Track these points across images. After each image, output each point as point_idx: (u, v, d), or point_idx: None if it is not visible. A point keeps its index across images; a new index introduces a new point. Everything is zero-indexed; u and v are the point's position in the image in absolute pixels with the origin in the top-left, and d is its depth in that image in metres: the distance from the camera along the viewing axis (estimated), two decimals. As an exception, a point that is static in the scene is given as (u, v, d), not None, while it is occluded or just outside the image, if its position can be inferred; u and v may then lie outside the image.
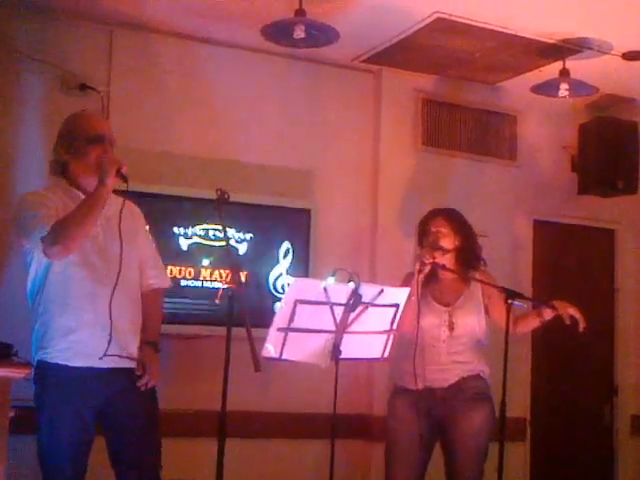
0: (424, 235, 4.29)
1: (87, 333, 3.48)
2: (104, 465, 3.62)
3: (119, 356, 3.51)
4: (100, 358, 3.45)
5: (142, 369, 3.59)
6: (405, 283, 4.15)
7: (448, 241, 4.26)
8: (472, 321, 4.23)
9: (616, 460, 5.93)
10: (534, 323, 4.26)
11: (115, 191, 3.51)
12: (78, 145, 3.57)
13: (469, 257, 4.30)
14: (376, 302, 3.68)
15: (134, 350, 3.60)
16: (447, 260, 4.23)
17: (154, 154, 4.54)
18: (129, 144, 4.67)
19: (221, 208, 3.49)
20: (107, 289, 3.48)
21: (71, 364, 3.46)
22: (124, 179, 3.47)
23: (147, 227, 3.83)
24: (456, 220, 4.32)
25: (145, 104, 4.80)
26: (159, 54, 4.88)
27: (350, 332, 3.67)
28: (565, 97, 5.08)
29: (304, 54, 5.09)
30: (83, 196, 3.54)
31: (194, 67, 4.95)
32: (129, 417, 3.58)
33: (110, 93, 4.71)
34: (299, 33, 4.35)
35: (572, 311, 4.09)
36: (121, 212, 3.54)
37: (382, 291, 3.69)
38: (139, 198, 3.84)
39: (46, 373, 3.48)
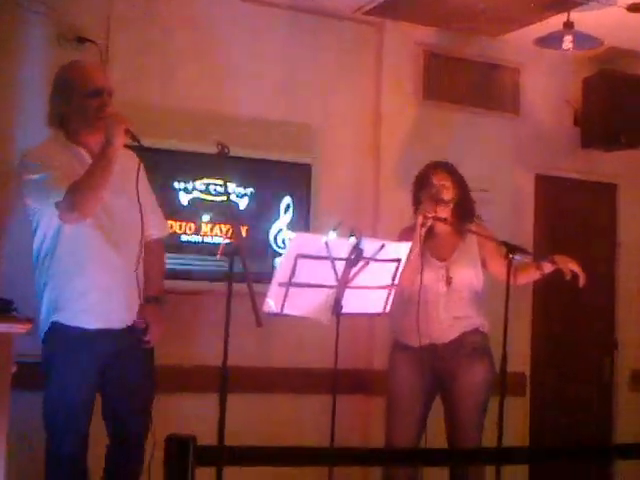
0: (424, 188, 4.27)
1: (101, 296, 3.49)
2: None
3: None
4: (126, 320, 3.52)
5: (145, 330, 3.61)
6: (401, 238, 4.14)
7: (449, 194, 4.25)
8: (469, 274, 4.24)
9: (615, 414, 5.96)
10: (534, 275, 4.29)
11: None
12: (76, 99, 3.53)
13: (465, 211, 4.30)
14: (377, 257, 3.68)
15: (136, 308, 3.62)
16: (445, 213, 4.23)
17: (153, 108, 4.49)
18: (127, 98, 4.62)
19: (222, 162, 3.47)
20: (120, 250, 3.50)
21: (87, 326, 3.49)
22: (134, 138, 3.45)
23: (146, 180, 3.77)
24: (455, 173, 4.32)
25: (144, 57, 4.74)
26: (158, 6, 4.81)
27: (351, 287, 3.67)
28: (569, 50, 5.03)
29: (305, 6, 5.04)
30: (84, 152, 3.52)
31: (194, 20, 4.88)
32: (126, 373, 3.59)
33: (109, 46, 4.64)
34: (300, -16, 4.31)
35: (572, 266, 4.11)
36: (138, 172, 3.55)
37: (383, 246, 3.69)
38: (138, 152, 3.81)
39: (59, 334, 3.50)
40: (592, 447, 3.89)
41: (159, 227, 3.83)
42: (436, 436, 4.25)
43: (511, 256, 4.01)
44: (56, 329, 3.50)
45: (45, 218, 3.50)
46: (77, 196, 3.35)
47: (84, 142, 3.55)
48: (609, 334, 6.00)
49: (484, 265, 4.30)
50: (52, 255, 3.52)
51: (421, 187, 4.30)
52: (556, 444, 5.45)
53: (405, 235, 4.22)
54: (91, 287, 3.49)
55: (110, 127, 3.41)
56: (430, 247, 4.21)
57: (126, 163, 3.57)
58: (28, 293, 3.96)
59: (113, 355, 3.55)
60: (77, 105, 3.53)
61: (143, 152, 3.71)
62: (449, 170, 4.31)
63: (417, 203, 4.31)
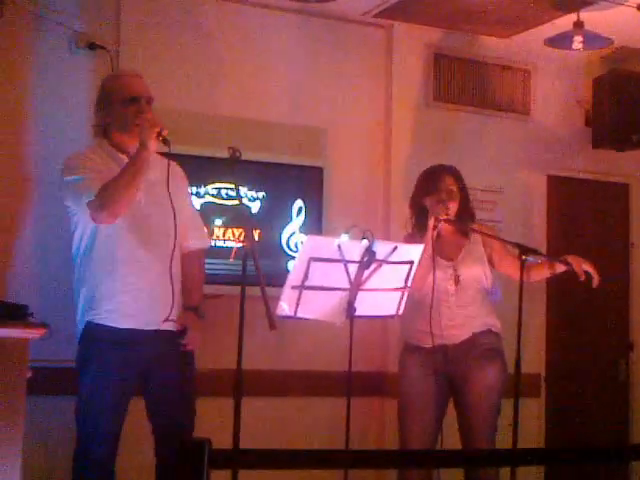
0: (432, 192, 4.26)
1: (131, 296, 3.56)
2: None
3: (166, 320, 3.58)
4: (157, 322, 3.55)
5: (183, 334, 3.67)
6: (406, 243, 4.14)
7: (457, 197, 4.27)
8: (477, 272, 4.25)
9: (631, 415, 5.94)
10: (546, 273, 4.28)
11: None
12: (115, 107, 3.64)
13: (467, 214, 4.31)
14: (390, 259, 3.68)
15: (176, 314, 3.66)
16: (451, 215, 4.24)
17: (165, 113, 4.45)
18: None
19: (233, 166, 3.48)
20: (152, 254, 3.56)
21: (117, 325, 3.56)
22: (166, 142, 3.49)
23: (188, 189, 3.90)
24: (460, 177, 4.34)
25: (155, 62, 4.75)
26: (168, 12, 4.83)
27: (364, 289, 3.67)
28: (579, 50, 5.02)
29: (314, 10, 5.05)
30: (125, 158, 3.59)
31: (204, 24, 4.90)
32: (167, 379, 3.66)
33: (120, 52, 4.67)
34: (309, -12, 4.32)
35: (586, 266, 4.10)
36: (168, 176, 3.58)
37: (396, 248, 3.68)
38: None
39: (93, 334, 3.59)
40: (608, 448, 3.88)
41: (199, 238, 3.87)
42: (451, 437, 4.24)
43: (524, 257, 4.01)
44: (89, 329, 3.60)
45: (83, 219, 3.60)
46: (106, 196, 3.44)
47: (125, 149, 3.62)
48: (624, 335, 5.98)
49: (492, 263, 4.30)
50: (88, 256, 3.62)
51: (427, 191, 4.29)
52: (572, 445, 5.43)
53: (409, 241, 4.22)
54: (121, 288, 3.57)
55: (144, 131, 3.48)
56: (437, 248, 4.20)
57: (171, 173, 3.62)
58: (43, 298, 4.00)
59: (152, 360, 3.62)
60: (116, 113, 3.63)
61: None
62: (455, 174, 4.32)
63: (418, 206, 4.32)
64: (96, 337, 3.60)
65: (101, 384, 3.57)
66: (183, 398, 3.70)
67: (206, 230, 3.92)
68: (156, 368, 3.65)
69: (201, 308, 3.69)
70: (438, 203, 4.20)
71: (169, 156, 3.65)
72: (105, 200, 3.45)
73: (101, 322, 3.59)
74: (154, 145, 3.49)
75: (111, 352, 3.55)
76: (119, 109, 3.63)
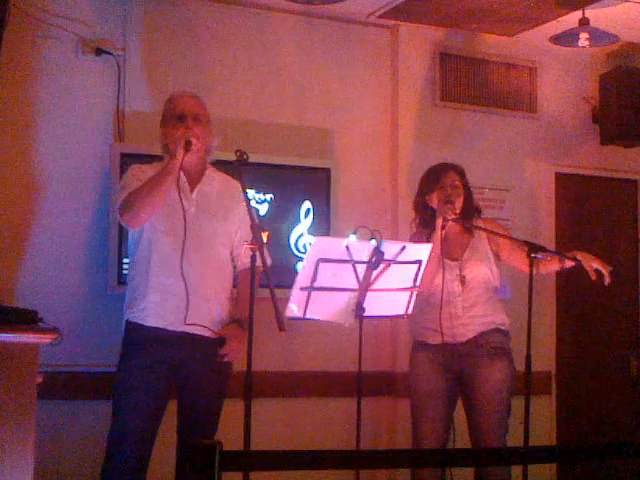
0: (437, 190, 4.26)
1: (161, 296, 3.69)
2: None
3: (194, 324, 3.65)
4: (183, 323, 3.64)
5: (222, 344, 3.71)
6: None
7: (462, 194, 4.27)
8: (483, 270, 4.24)
9: (643, 411, 5.93)
10: (555, 267, 4.27)
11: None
12: (168, 128, 3.79)
13: (471, 209, 4.31)
14: (398, 259, 3.68)
15: (217, 322, 3.74)
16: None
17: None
18: (147, 108, 4.69)
19: (241, 169, 3.50)
20: (189, 260, 3.63)
21: (146, 323, 3.70)
22: (187, 145, 3.62)
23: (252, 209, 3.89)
24: (463, 174, 4.34)
25: (162, 67, 4.78)
26: (174, 17, 4.84)
27: (373, 290, 3.67)
28: (585, 47, 5.02)
29: (320, 12, 5.06)
30: (182, 173, 3.72)
31: (209, 29, 4.91)
32: (198, 385, 3.74)
33: (126, 57, 4.69)
34: (314, -11, 4.33)
35: (596, 264, 4.08)
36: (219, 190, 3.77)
37: (404, 248, 3.69)
38: (157, 161, 3.86)
39: (129, 332, 3.76)
40: (621, 444, 3.85)
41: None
42: (463, 436, 4.24)
43: (533, 255, 4.00)
44: (127, 328, 3.78)
45: None
46: (129, 202, 3.66)
47: (184, 164, 3.70)
48: (634, 330, 5.96)
49: (499, 258, 4.30)
50: (132, 258, 3.85)
51: (432, 189, 4.29)
52: (584, 442, 5.42)
53: (415, 241, 4.23)
54: (152, 289, 3.70)
55: (177, 143, 3.65)
56: (442, 248, 4.20)
57: (229, 190, 3.79)
58: (53, 303, 4.01)
59: (182, 362, 3.70)
60: (169, 133, 3.77)
61: (160, 161, 3.81)
62: (458, 171, 4.32)
63: (422, 206, 4.32)
64: (132, 336, 3.76)
65: (131, 382, 3.67)
66: (209, 407, 3.76)
67: (266, 251, 3.93)
68: (188, 372, 3.73)
69: (244, 322, 3.61)
70: (445, 203, 4.19)
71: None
72: (128, 204, 3.67)
73: (134, 320, 3.74)
74: (181, 154, 3.62)
75: (142, 351, 3.68)
76: (170, 127, 3.78)
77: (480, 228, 4.28)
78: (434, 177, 4.31)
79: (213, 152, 3.86)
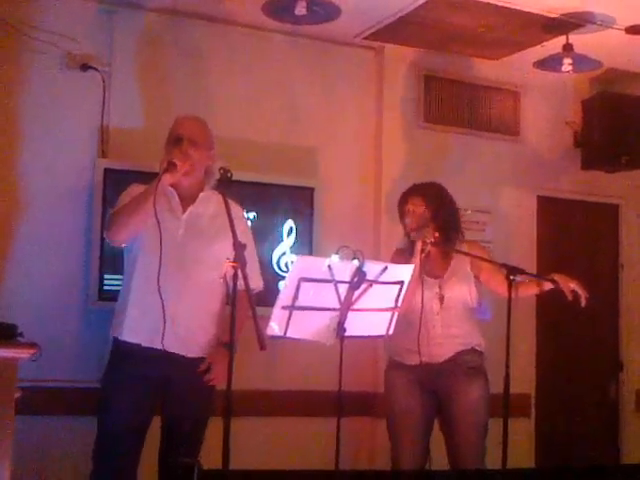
0: (402, 218, 4.30)
1: (139, 313, 3.71)
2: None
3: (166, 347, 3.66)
4: (159, 342, 3.65)
5: (207, 366, 3.73)
6: (394, 260, 4.16)
7: (427, 214, 4.26)
8: (462, 291, 4.26)
9: (621, 435, 5.95)
10: (534, 290, 4.30)
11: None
12: (168, 148, 3.82)
13: (449, 229, 4.31)
14: (380, 279, 3.68)
15: (195, 344, 3.74)
16: (434, 236, 4.24)
17: (156, 134, 4.48)
18: (131, 124, 4.69)
19: (224, 186, 3.50)
20: (173, 281, 3.63)
21: (124, 338, 3.73)
22: (170, 167, 3.63)
23: (246, 229, 3.97)
24: (429, 193, 4.31)
25: (147, 84, 4.78)
26: (160, 33, 4.86)
27: (355, 309, 3.67)
28: (569, 72, 5.06)
29: (305, 31, 5.07)
30: (174, 192, 3.80)
31: (196, 46, 4.92)
32: (181, 403, 3.74)
33: (111, 73, 4.69)
34: (300, 10, 4.36)
35: (573, 285, 4.10)
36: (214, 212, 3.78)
37: (386, 268, 3.69)
38: (143, 179, 3.86)
39: (114, 347, 3.80)
40: (598, 467, 3.87)
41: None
42: (441, 460, 4.24)
43: (512, 277, 4.02)
44: (114, 343, 3.81)
45: None
46: (112, 218, 3.78)
47: (177, 184, 3.77)
48: (614, 355, 5.99)
49: (480, 281, 4.31)
50: (123, 274, 3.90)
51: (401, 215, 4.34)
52: (562, 465, 5.43)
53: (398, 257, 4.25)
54: (132, 305, 3.73)
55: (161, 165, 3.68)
56: (423, 265, 4.21)
57: (217, 208, 3.73)
58: (34, 318, 3.99)
59: (165, 379, 3.71)
60: (167, 153, 3.77)
61: (145, 178, 3.81)
62: (422, 193, 4.31)
63: (404, 226, 4.36)
64: (114, 350, 3.80)
65: (112, 395, 3.71)
66: (192, 425, 3.75)
67: (258, 273, 3.94)
68: (170, 390, 3.74)
69: (233, 345, 3.60)
70: (409, 230, 4.23)
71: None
72: (110, 222, 3.78)
73: (115, 335, 3.79)
74: (166, 177, 3.63)
75: (123, 365, 3.72)
76: (168, 149, 3.80)
77: (460, 252, 4.29)
78: (400, 203, 4.36)
79: (214, 175, 3.76)
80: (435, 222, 4.26)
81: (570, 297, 4.08)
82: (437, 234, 4.19)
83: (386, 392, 4.33)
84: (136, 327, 3.71)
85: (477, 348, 4.27)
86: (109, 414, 3.70)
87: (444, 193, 4.38)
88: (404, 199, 4.35)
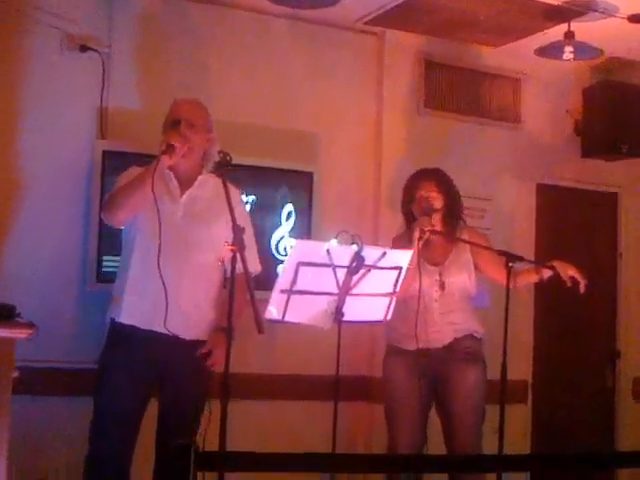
0: (414, 201, 4.29)
1: (137, 296, 3.71)
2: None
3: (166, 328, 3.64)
4: (157, 324, 3.64)
5: (208, 350, 3.71)
6: (395, 246, 4.16)
7: (439, 203, 4.28)
8: (462, 278, 4.27)
9: (617, 423, 5.96)
10: (533, 278, 4.32)
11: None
12: (165, 131, 3.81)
13: (455, 215, 4.33)
14: (379, 264, 3.69)
15: (194, 326, 3.73)
16: (435, 221, 4.25)
17: (155, 116, 4.48)
18: (130, 105, 4.68)
19: (223, 170, 3.49)
20: (168, 263, 3.59)
21: (121, 320, 3.74)
22: (168, 149, 3.62)
23: (244, 213, 3.95)
24: (441, 180, 4.34)
25: (146, 66, 4.77)
26: (160, 15, 4.84)
27: (353, 294, 3.68)
28: (570, 60, 5.04)
29: (306, 16, 5.06)
30: (172, 175, 3.80)
31: (196, 29, 4.91)
32: (178, 385, 3.74)
33: (111, 54, 4.67)
34: (302, -7, 4.34)
35: (572, 272, 4.11)
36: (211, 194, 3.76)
37: (385, 254, 3.70)
38: (141, 160, 3.85)
39: (110, 329, 3.80)
40: (594, 455, 3.88)
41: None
42: (439, 442, 4.26)
43: (510, 265, 4.03)
44: (110, 325, 3.81)
45: None
46: (109, 199, 3.79)
47: (175, 167, 3.77)
48: (611, 343, 6.00)
49: (479, 270, 4.32)
50: (121, 256, 3.92)
51: (410, 200, 4.33)
52: (558, 452, 5.44)
53: (398, 243, 4.25)
54: (129, 287, 3.73)
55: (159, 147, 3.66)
56: (424, 252, 4.22)
57: (222, 195, 3.52)
58: (32, 299, 4.00)
59: (163, 361, 3.70)
60: (165, 135, 3.75)
61: (144, 160, 3.81)
62: (435, 179, 4.33)
63: (406, 212, 4.35)
64: (111, 331, 3.80)
65: (109, 375, 3.72)
66: (189, 407, 3.74)
67: (256, 257, 3.91)
68: (168, 372, 3.74)
69: (232, 330, 3.54)
70: (421, 214, 4.22)
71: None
72: (107, 204, 3.80)
73: (112, 316, 3.79)
74: (165, 159, 3.62)
75: (120, 346, 3.73)
76: (166, 132, 3.79)
77: (460, 240, 4.30)
78: (411, 187, 4.34)
79: (213, 158, 3.74)
80: (444, 209, 4.27)
81: (569, 283, 4.09)
82: (435, 223, 4.20)
83: (384, 377, 4.34)
84: (134, 309, 3.72)
85: (475, 335, 4.28)
86: (105, 395, 3.71)
87: (451, 180, 4.38)
88: (415, 184, 4.33)
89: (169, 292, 3.59)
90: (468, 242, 4.30)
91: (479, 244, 4.30)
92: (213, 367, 3.71)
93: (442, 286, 4.23)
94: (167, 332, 3.64)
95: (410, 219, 4.33)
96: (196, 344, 3.72)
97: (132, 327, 3.71)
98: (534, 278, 4.30)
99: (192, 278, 3.74)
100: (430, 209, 4.23)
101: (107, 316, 3.83)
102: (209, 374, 3.75)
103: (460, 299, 4.27)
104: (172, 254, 3.64)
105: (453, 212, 4.34)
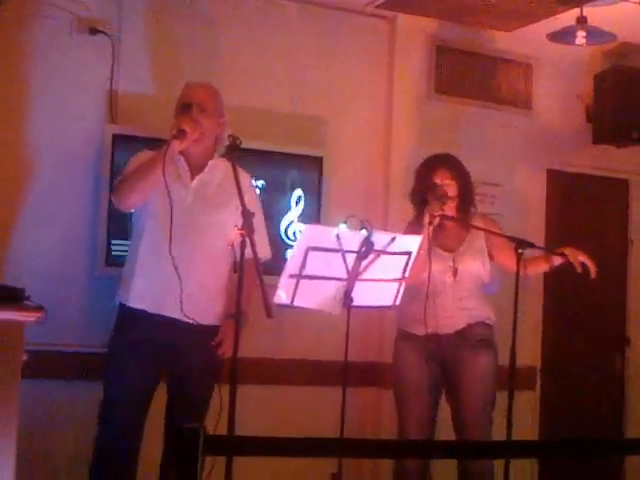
0: (428, 188, 4.26)
1: (145, 280, 3.73)
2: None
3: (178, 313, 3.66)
4: (166, 308, 3.69)
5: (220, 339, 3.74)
6: (407, 232, 4.15)
7: (453, 190, 4.27)
8: (476, 265, 4.26)
9: (626, 410, 5.95)
10: (544, 267, 4.31)
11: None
12: (177, 115, 3.80)
13: (468, 203, 4.31)
14: (388, 250, 3.68)
15: (204, 311, 3.73)
16: (450, 208, 4.24)
17: (165, 100, 4.48)
18: (140, 89, 4.67)
19: (233, 154, 3.49)
20: (179, 247, 3.59)
21: (130, 304, 3.76)
22: (178, 136, 3.61)
23: (254, 197, 3.94)
24: (456, 167, 4.33)
25: (156, 49, 4.75)
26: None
27: (362, 279, 3.67)
28: (582, 45, 5.01)
29: (317, 0, 5.03)
30: (182, 160, 3.80)
31: (206, 13, 4.88)
32: (187, 368, 3.76)
33: (121, 38, 4.65)
34: (312, -24, 4.32)
35: (583, 258, 4.11)
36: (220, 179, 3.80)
37: (394, 239, 3.69)
38: (151, 144, 3.85)
39: (119, 312, 3.82)
40: (603, 441, 3.87)
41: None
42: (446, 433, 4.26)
43: (520, 251, 4.02)
44: (119, 309, 3.84)
45: None
46: (119, 184, 3.78)
47: (186, 152, 3.77)
48: (620, 329, 5.99)
49: (491, 257, 4.32)
50: (131, 240, 3.92)
51: (424, 186, 4.30)
52: (566, 438, 5.44)
53: (411, 230, 4.24)
54: (138, 271, 3.75)
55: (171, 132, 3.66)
56: (438, 239, 4.22)
57: (230, 177, 3.53)
58: (42, 282, 4.00)
59: (171, 344, 3.71)
60: (177, 119, 3.75)
61: (154, 144, 3.81)
62: (450, 166, 4.32)
63: (418, 198, 4.33)
64: (119, 315, 3.82)
65: (118, 356, 3.75)
66: (198, 391, 3.76)
67: (266, 242, 3.91)
68: (176, 355, 3.74)
69: (241, 316, 3.41)
70: (432, 200, 4.20)
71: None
72: (117, 189, 3.80)
73: (120, 300, 3.81)
74: (175, 144, 3.61)
75: (127, 329, 3.75)
76: (177, 116, 3.78)
77: (472, 226, 4.28)
78: (425, 174, 4.32)
79: (224, 143, 3.69)
80: (458, 197, 4.26)
81: (580, 269, 4.08)
82: (445, 208, 4.18)
83: (394, 363, 4.34)
84: (142, 293, 3.73)
85: (487, 321, 4.28)
86: (114, 378, 3.74)
87: (464, 167, 4.37)
88: (430, 170, 4.31)
89: (177, 278, 3.59)
90: (482, 229, 4.29)
91: (492, 231, 4.29)
92: (224, 355, 3.72)
93: (455, 272, 4.22)
94: (175, 316, 3.65)
95: (422, 205, 4.31)
96: (205, 329, 3.72)
97: (141, 310, 3.72)
98: (544, 267, 4.29)
99: (202, 263, 3.75)
100: (444, 196, 4.22)
101: (115, 300, 3.84)
102: (219, 360, 3.76)
103: (474, 286, 4.27)
104: (181, 239, 3.64)
105: (467, 199, 4.33)
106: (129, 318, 3.76)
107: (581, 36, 4.91)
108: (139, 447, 3.78)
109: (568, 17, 4.95)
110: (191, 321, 3.67)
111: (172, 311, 3.68)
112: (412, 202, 4.41)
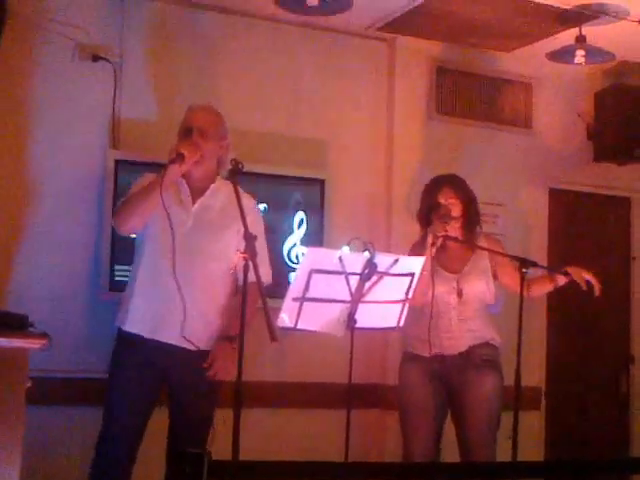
0: (433, 208, 4.26)
1: (142, 304, 3.72)
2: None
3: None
4: (161, 332, 3.69)
5: (210, 362, 3.70)
6: (412, 254, 4.15)
7: (457, 211, 4.27)
8: (481, 286, 4.25)
9: (632, 429, 5.93)
10: (547, 287, 4.30)
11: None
12: (179, 139, 3.81)
13: (473, 222, 4.32)
14: (391, 271, 3.68)
15: (200, 336, 3.71)
16: (454, 229, 4.24)
17: (167, 125, 4.50)
18: (142, 115, 4.69)
19: (235, 178, 3.49)
20: (179, 271, 3.59)
21: (126, 328, 3.75)
22: (178, 158, 3.62)
23: (257, 220, 3.89)
24: (461, 187, 4.33)
25: (158, 75, 4.78)
26: (172, 24, 4.85)
27: (365, 301, 3.67)
28: (581, 64, 5.03)
29: (317, 23, 5.07)
30: (184, 183, 3.80)
31: (207, 37, 4.92)
32: (186, 392, 3.75)
33: (123, 64, 4.68)
34: (312, 1, 4.35)
35: (586, 275, 4.11)
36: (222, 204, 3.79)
37: (397, 260, 3.69)
38: (153, 169, 3.86)
39: (118, 335, 3.81)
40: (608, 461, 3.87)
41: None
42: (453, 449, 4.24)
43: (524, 270, 4.02)
44: (118, 332, 3.83)
45: None
46: (120, 208, 3.79)
47: (188, 175, 3.79)
48: (625, 348, 5.98)
49: (495, 277, 4.31)
50: (132, 266, 3.91)
51: (429, 206, 4.30)
52: (572, 458, 5.42)
53: (416, 250, 4.24)
54: (134, 293, 3.75)
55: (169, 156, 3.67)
56: (441, 260, 4.22)
57: (235, 204, 3.48)
58: (45, 308, 4.01)
59: (169, 368, 3.72)
60: (177, 143, 3.77)
61: (154, 168, 3.83)
62: (454, 185, 4.32)
63: (424, 218, 4.32)
64: (118, 340, 3.81)
65: (116, 380, 3.75)
66: (198, 414, 3.74)
67: (268, 267, 3.89)
68: (175, 379, 3.75)
69: (235, 338, 3.45)
70: (436, 220, 4.20)
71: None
72: (117, 212, 3.81)
73: (117, 324, 3.80)
74: (173, 168, 3.62)
75: (125, 353, 3.77)
76: (180, 140, 3.80)
77: (476, 246, 4.28)
78: (430, 194, 4.32)
79: (227, 165, 3.69)
80: (464, 216, 4.26)
81: (585, 287, 4.08)
82: (449, 229, 4.18)
83: (400, 385, 4.33)
84: (141, 315, 3.73)
85: (492, 342, 4.26)
86: (111, 399, 3.75)
87: (468, 187, 4.37)
88: (435, 191, 4.31)
89: (175, 301, 3.59)
90: (486, 249, 4.28)
91: (496, 251, 4.29)
92: (215, 377, 3.69)
93: (460, 293, 4.22)
94: (172, 342, 3.67)
95: (427, 226, 4.31)
96: (199, 354, 3.71)
97: (137, 336, 3.72)
98: (548, 287, 4.28)
99: (200, 286, 3.73)
100: (447, 216, 4.22)
101: (115, 323, 3.85)
102: (212, 385, 3.74)
103: (478, 307, 4.26)
104: (181, 262, 3.63)
105: (471, 219, 4.33)
106: (127, 343, 3.76)
107: (580, 55, 4.94)
108: (133, 465, 3.78)
109: (567, 36, 4.98)
110: (192, 347, 3.67)
111: (169, 336, 3.67)
112: (418, 222, 4.41)
